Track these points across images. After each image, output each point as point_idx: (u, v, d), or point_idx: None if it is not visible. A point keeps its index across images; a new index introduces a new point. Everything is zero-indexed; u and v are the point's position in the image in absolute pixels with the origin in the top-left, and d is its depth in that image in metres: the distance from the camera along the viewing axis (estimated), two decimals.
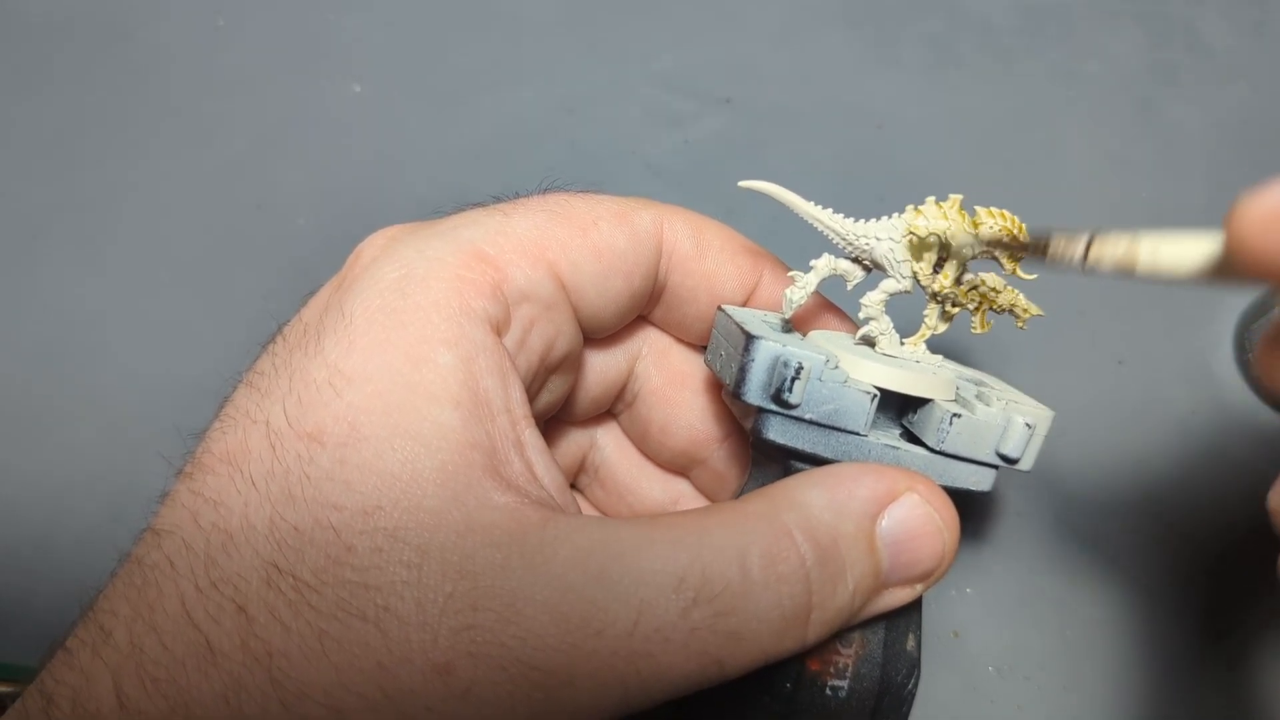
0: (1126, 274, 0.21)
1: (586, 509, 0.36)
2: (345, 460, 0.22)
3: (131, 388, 0.43)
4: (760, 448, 0.29)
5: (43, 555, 0.40)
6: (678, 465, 0.34)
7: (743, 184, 0.28)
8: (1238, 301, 0.43)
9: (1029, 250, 0.25)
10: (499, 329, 0.26)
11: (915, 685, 0.28)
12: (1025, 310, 0.30)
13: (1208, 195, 0.45)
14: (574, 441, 0.35)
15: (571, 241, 0.27)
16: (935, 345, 0.30)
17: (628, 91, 0.48)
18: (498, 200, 0.29)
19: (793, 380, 0.26)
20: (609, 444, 0.35)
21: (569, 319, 0.28)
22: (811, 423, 0.27)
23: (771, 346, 0.26)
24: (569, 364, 0.30)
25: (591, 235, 0.28)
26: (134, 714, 0.21)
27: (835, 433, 0.27)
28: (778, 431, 0.27)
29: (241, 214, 0.46)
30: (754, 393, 0.27)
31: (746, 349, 0.26)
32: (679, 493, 0.35)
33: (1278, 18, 0.48)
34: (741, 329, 0.27)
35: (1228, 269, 0.19)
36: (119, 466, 0.41)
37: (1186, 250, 0.20)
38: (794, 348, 0.26)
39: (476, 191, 0.47)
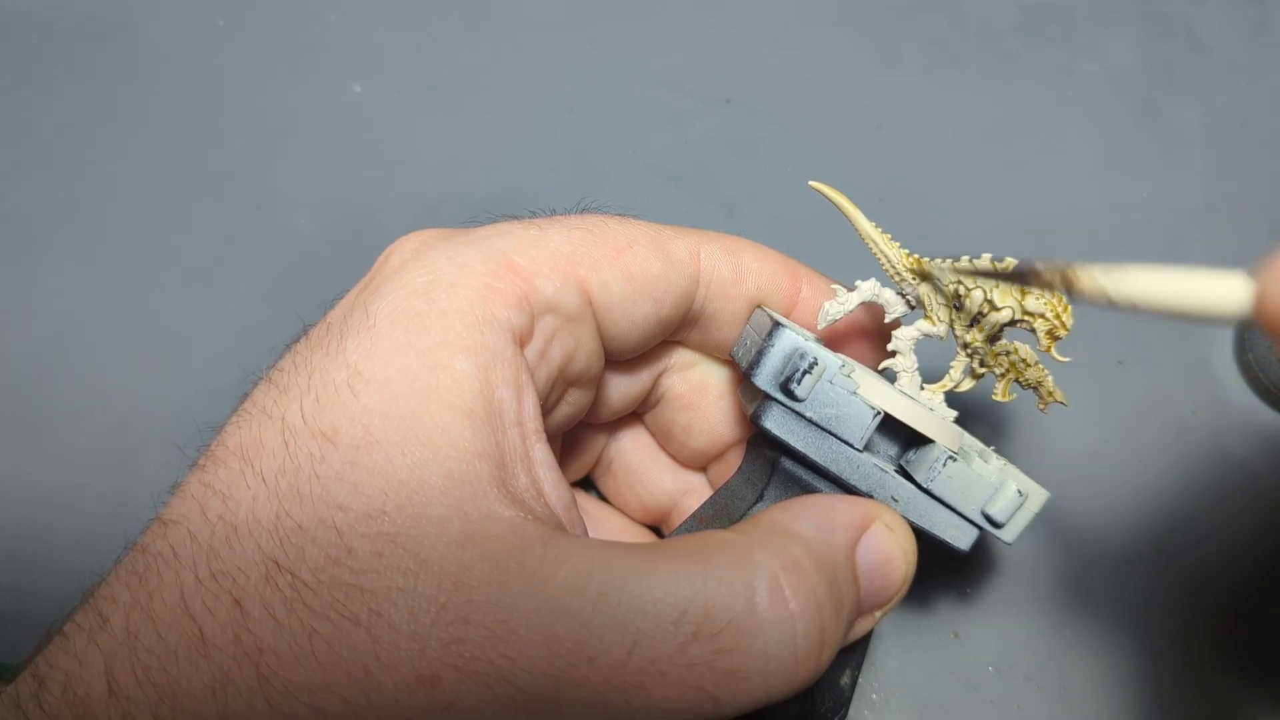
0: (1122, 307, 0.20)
1: (595, 500, 0.36)
2: (356, 462, 0.22)
3: (131, 388, 0.43)
4: (756, 439, 0.29)
5: (43, 555, 0.40)
6: (698, 463, 0.34)
7: (813, 184, 0.28)
8: None
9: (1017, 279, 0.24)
10: (522, 341, 0.25)
11: None
12: (1050, 394, 0.29)
13: (1208, 195, 0.45)
14: (593, 439, 0.35)
15: (604, 261, 0.27)
16: (951, 403, 0.30)
17: (628, 91, 0.48)
18: (534, 215, 0.29)
19: (804, 373, 0.26)
20: (625, 435, 0.35)
21: (592, 335, 0.28)
22: (811, 422, 0.27)
23: (793, 337, 0.27)
24: (588, 380, 0.29)
25: (625, 258, 0.28)
26: (123, 700, 0.21)
27: (831, 439, 0.27)
28: (775, 422, 0.27)
29: (241, 214, 0.46)
30: (764, 377, 0.27)
31: (770, 334, 0.27)
32: (689, 484, 0.35)
33: (1278, 17, 0.48)
34: (771, 318, 0.27)
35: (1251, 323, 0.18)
36: (119, 466, 0.41)
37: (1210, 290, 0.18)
38: (815, 345, 0.27)
39: (476, 192, 0.47)
